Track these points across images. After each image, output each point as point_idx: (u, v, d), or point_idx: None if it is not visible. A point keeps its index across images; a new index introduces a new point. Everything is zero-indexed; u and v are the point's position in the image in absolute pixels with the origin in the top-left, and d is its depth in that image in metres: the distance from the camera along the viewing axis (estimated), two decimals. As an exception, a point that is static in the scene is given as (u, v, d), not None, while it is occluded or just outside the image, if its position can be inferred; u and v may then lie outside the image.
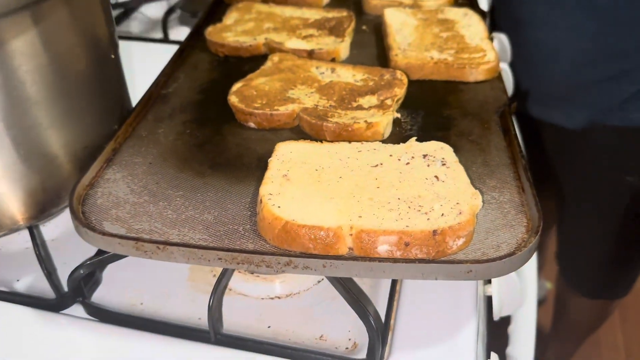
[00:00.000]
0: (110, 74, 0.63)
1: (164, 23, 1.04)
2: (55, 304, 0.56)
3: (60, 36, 0.55)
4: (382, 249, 0.46)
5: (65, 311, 0.57)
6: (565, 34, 1.03)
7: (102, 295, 0.59)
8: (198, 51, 0.81)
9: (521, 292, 0.64)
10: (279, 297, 0.59)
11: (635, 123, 1.05)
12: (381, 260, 0.45)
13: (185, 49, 0.81)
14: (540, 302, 1.65)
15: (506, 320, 0.82)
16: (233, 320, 0.56)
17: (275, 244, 0.48)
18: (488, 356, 0.58)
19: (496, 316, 0.65)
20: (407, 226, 0.47)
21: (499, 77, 0.72)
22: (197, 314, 0.57)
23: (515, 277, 0.63)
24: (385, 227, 0.47)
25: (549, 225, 1.35)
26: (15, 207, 0.56)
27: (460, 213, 0.48)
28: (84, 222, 0.50)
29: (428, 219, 0.47)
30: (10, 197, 0.55)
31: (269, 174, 0.53)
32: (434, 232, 0.46)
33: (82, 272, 0.54)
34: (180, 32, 1.09)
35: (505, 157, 0.58)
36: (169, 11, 1.08)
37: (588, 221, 1.20)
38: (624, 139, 1.08)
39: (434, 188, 0.51)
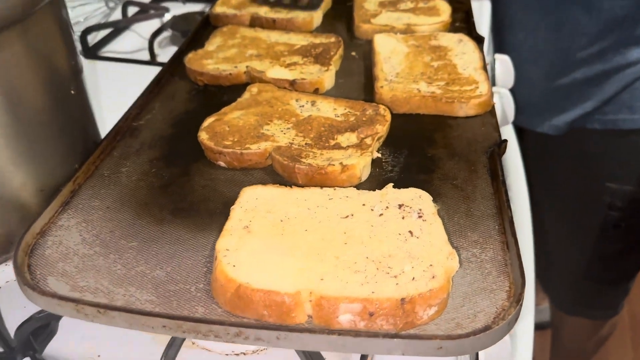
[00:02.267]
0: (72, 110, 0.59)
1: (151, 44, 1.01)
2: (2, 359, 0.53)
3: (14, 71, 0.51)
4: (344, 318, 0.42)
5: (14, 366, 0.53)
6: (545, 34, 1.00)
7: (55, 348, 0.55)
8: (177, 79, 0.78)
9: (512, 351, 0.59)
10: (244, 354, 0.54)
11: (617, 126, 1.01)
12: (341, 332, 0.41)
13: (164, 77, 0.77)
14: (545, 326, 1.58)
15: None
16: (194, 377, 0.52)
17: (227, 309, 0.44)
18: None
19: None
20: (372, 292, 0.42)
21: (491, 112, 0.67)
22: (156, 370, 0.53)
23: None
24: (348, 292, 0.42)
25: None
26: (-38, 253, 0.53)
27: (433, 277, 0.43)
28: (25, 278, 0.46)
29: (397, 283, 0.43)
30: (-44, 243, 0.51)
31: (229, 225, 0.49)
32: (402, 300, 0.41)
33: (30, 326, 0.51)
34: (170, 54, 1.06)
35: (491, 207, 0.53)
36: (157, 32, 1.04)
37: (566, 233, 1.15)
38: (605, 144, 1.05)
39: (407, 246, 0.46)
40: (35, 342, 0.53)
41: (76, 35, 1.07)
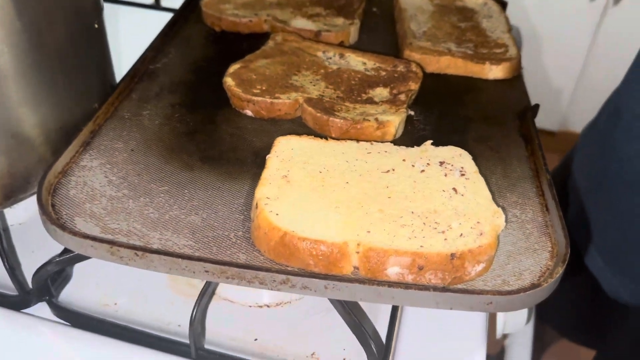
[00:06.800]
0: (93, 45, 0.56)
1: (156, -13, 0.95)
2: (17, 302, 0.50)
3: (36, 0, 0.47)
4: (392, 271, 0.41)
5: (28, 310, 0.51)
6: None
7: (71, 293, 0.53)
8: (192, 23, 0.74)
9: (529, 311, 0.60)
10: (268, 306, 0.53)
11: None
12: (391, 284, 0.40)
13: (179, 21, 0.73)
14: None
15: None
16: (216, 329, 0.51)
17: (270, 257, 0.42)
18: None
19: (499, 334, 0.61)
20: (421, 246, 0.41)
21: (519, 77, 0.66)
22: (177, 320, 0.51)
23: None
24: (396, 246, 0.41)
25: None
26: (-24, 190, 0.49)
27: (481, 234, 0.43)
28: (53, 218, 0.44)
29: (445, 239, 0.42)
30: (-30, 180, 0.48)
31: (266, 174, 0.47)
32: (452, 255, 0.41)
33: (49, 270, 0.48)
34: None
35: (527, 169, 0.53)
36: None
37: None
38: None
39: (452, 202, 0.45)
40: (52, 287, 0.51)
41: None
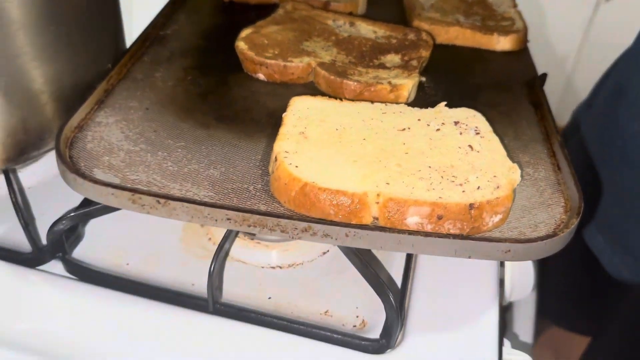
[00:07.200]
0: (107, 6, 0.55)
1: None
2: (31, 259, 0.50)
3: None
4: (412, 220, 0.41)
5: (42, 267, 0.51)
6: None
7: (83, 252, 0.53)
8: (201, -6, 0.74)
9: (534, 278, 0.61)
10: (280, 267, 0.54)
11: None
12: (411, 232, 0.41)
13: (187, -10, 0.73)
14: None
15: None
16: (229, 288, 0.51)
17: (290, 208, 0.43)
18: (501, 343, 0.54)
19: (505, 301, 0.62)
20: (440, 197, 0.42)
21: (526, 49, 0.67)
22: (189, 279, 0.51)
23: (531, 262, 0.60)
24: (416, 196, 0.42)
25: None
26: (-10, 146, 0.49)
27: (497, 187, 0.43)
28: (72, 167, 0.43)
29: (463, 191, 0.43)
30: (-15, 134, 0.48)
31: (284, 130, 0.47)
32: (471, 205, 0.41)
33: (64, 224, 0.48)
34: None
35: (538, 132, 0.54)
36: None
37: None
38: None
39: (468, 158, 0.46)
40: (65, 243, 0.51)
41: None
